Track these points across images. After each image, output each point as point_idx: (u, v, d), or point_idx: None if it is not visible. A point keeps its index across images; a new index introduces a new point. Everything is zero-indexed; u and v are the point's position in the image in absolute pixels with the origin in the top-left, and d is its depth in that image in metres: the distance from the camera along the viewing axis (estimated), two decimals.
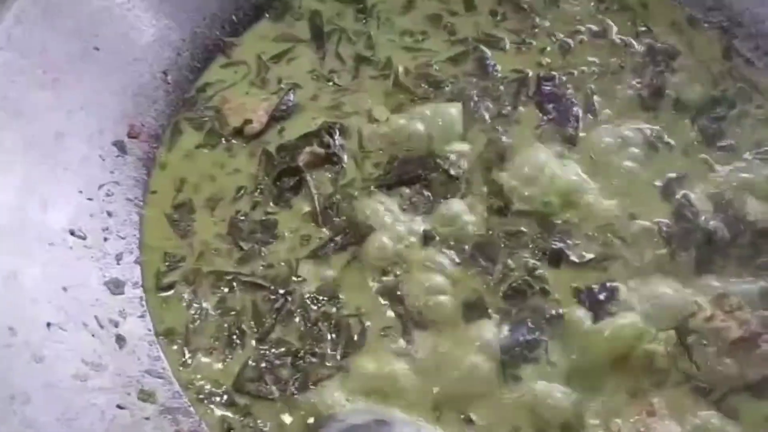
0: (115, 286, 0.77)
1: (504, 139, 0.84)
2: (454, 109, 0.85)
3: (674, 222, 0.79)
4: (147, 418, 0.69)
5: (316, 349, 0.74)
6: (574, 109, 0.86)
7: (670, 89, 0.87)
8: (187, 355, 0.75)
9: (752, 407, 0.70)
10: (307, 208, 0.82)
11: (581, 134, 0.84)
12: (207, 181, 0.85)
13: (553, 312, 0.75)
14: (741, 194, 0.80)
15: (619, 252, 0.78)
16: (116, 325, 0.74)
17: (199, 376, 0.74)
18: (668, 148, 0.84)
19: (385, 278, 0.77)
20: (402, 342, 0.74)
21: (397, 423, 0.67)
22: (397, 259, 0.77)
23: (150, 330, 0.76)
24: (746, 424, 0.69)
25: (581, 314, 0.75)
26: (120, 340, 0.74)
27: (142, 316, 0.77)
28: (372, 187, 0.82)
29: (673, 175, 0.82)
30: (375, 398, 0.71)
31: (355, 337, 0.74)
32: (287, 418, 0.71)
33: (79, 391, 0.67)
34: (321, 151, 0.84)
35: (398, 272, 0.77)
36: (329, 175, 0.84)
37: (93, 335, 0.72)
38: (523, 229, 0.79)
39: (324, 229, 0.80)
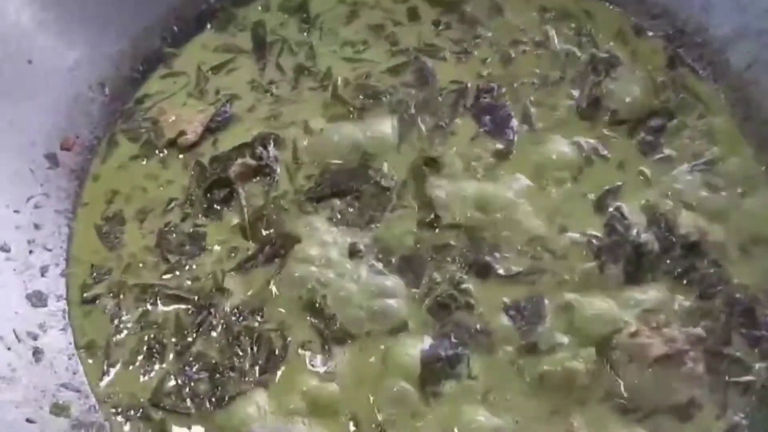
0: (38, 299, 0.77)
1: (438, 150, 0.83)
2: (389, 122, 0.85)
3: (605, 234, 0.78)
4: None
5: (236, 364, 0.73)
6: (512, 121, 0.85)
7: (608, 100, 0.85)
8: (107, 369, 0.74)
9: (676, 429, 0.68)
10: (236, 221, 0.81)
11: (513, 149, 0.83)
12: (139, 193, 0.84)
13: (478, 326, 0.74)
14: (675, 207, 0.78)
15: (548, 265, 0.76)
16: (35, 338, 0.74)
17: (117, 390, 0.73)
18: (604, 160, 0.83)
19: (307, 291, 0.75)
20: (321, 357, 0.72)
21: None
22: (322, 272, 0.76)
23: (71, 343, 0.76)
24: None
25: (507, 329, 0.73)
26: (37, 353, 0.73)
27: (63, 329, 0.76)
28: (302, 199, 0.81)
29: (607, 187, 0.81)
30: (293, 415, 0.70)
31: (276, 352, 0.73)
32: None
33: None
34: (252, 162, 0.83)
35: (322, 286, 0.76)
36: (262, 187, 0.83)
37: (9, 348, 0.71)
38: (451, 242, 0.78)
39: (251, 242, 0.80)
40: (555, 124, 0.85)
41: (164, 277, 0.79)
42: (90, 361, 0.75)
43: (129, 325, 0.76)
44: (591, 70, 0.88)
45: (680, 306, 0.73)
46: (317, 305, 0.74)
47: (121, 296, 0.78)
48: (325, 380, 0.71)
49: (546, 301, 0.74)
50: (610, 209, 0.79)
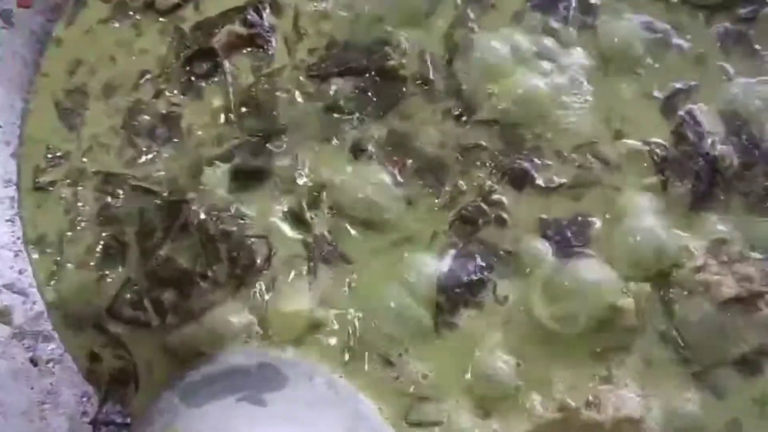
0: None
1: (473, 26, 0.67)
2: None
3: (672, 144, 0.62)
4: None
5: (209, 273, 0.60)
6: None
7: None
8: (57, 270, 0.62)
9: (740, 385, 0.55)
10: (218, 102, 0.67)
11: (570, 28, 0.67)
12: (106, 63, 0.70)
13: (509, 247, 0.60)
14: (761, 114, 0.62)
15: (598, 178, 0.62)
16: None
17: (68, 296, 0.62)
18: (678, 51, 0.66)
19: (296, 197, 0.62)
20: (312, 275, 0.60)
21: (286, 367, 0.54)
22: (318, 173, 0.63)
23: (19, 238, 0.64)
24: (730, 405, 0.55)
25: (543, 253, 0.60)
26: None
27: (11, 221, 0.64)
28: (302, 78, 0.67)
29: (679, 85, 0.64)
30: (272, 338, 0.58)
31: (258, 263, 0.61)
32: (160, 354, 0.59)
33: None
34: (243, 30, 0.68)
35: (320, 189, 0.62)
36: (253, 62, 0.68)
37: None
38: (482, 142, 0.63)
39: (236, 128, 0.66)
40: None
41: (131, 165, 0.65)
42: (39, 259, 0.63)
43: (87, 219, 0.64)
44: None
45: (760, 236, 0.59)
46: (307, 216, 0.61)
47: (80, 185, 0.65)
48: (318, 301, 0.59)
49: (593, 221, 0.60)
50: (681, 113, 0.63)
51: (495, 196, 0.61)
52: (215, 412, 0.49)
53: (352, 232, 0.61)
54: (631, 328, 0.57)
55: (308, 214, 0.62)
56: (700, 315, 0.56)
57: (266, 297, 0.60)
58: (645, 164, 0.62)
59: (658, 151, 0.62)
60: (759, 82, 0.64)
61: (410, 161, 0.63)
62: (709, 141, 0.62)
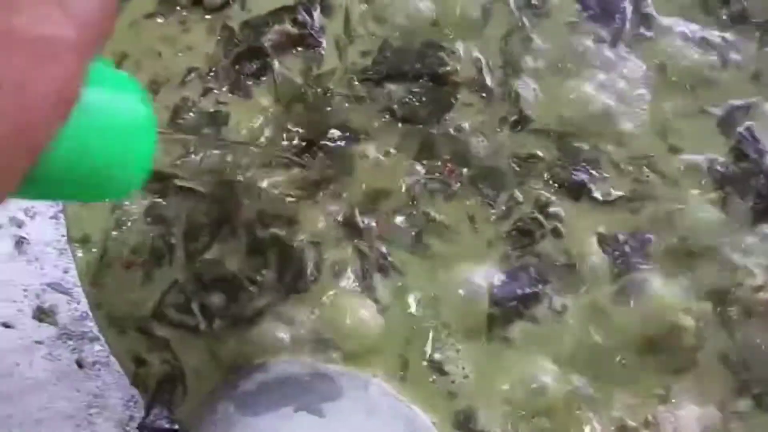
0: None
1: (530, 35, 0.66)
2: None
3: (731, 160, 0.61)
4: (39, 342, 0.56)
5: (258, 278, 0.59)
6: (623, 3, 0.67)
7: None
8: (103, 270, 0.61)
9: None
10: (267, 102, 0.65)
11: (626, 39, 0.66)
12: (152, 58, 0.68)
13: (565, 260, 0.59)
14: None
15: (656, 192, 0.61)
16: (19, 225, 0.60)
17: (112, 297, 0.60)
18: (735, 67, 0.65)
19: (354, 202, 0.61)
20: (363, 283, 0.59)
21: (340, 377, 0.53)
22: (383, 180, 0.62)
23: (63, 235, 0.62)
24: None
25: (601, 268, 0.59)
26: (20, 243, 0.60)
27: (55, 218, 0.63)
28: (354, 81, 0.65)
29: (737, 102, 0.64)
30: (322, 347, 0.57)
31: (308, 270, 0.59)
32: (209, 359, 0.57)
33: None
34: (293, 30, 0.67)
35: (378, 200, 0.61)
36: (303, 62, 0.67)
37: None
38: (539, 152, 0.63)
39: (290, 132, 0.64)
40: (677, 13, 0.67)
41: (177, 163, 0.64)
42: (83, 258, 0.62)
43: (133, 218, 0.62)
44: None
45: None
46: (360, 224, 0.60)
47: None
48: (368, 309, 0.58)
49: (651, 237, 0.59)
50: (739, 129, 0.62)
51: (552, 208, 0.61)
52: (273, 422, 0.48)
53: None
54: (691, 348, 0.56)
55: (361, 221, 0.61)
56: (760, 336, 0.55)
57: (318, 305, 0.58)
58: (703, 180, 0.61)
59: (717, 167, 0.61)
60: None
61: (465, 169, 0.62)
62: None
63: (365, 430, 0.49)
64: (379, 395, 0.53)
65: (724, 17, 0.67)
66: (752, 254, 0.58)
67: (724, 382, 0.55)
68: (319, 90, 0.65)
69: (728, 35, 0.66)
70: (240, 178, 0.63)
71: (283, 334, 0.57)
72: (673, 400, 0.55)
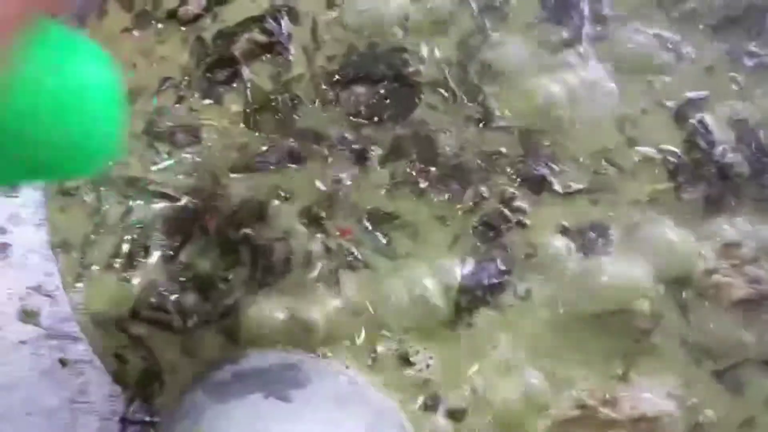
0: (10, 187, 0.65)
1: (490, 34, 0.68)
2: None
3: (684, 152, 0.64)
4: (23, 342, 0.58)
5: (230, 276, 0.62)
6: (581, 4, 0.69)
7: None
8: (82, 272, 0.64)
9: (757, 385, 0.57)
10: (238, 107, 0.68)
11: (583, 38, 0.68)
12: (128, 70, 0.71)
13: (530, 250, 0.62)
14: None
15: (614, 184, 0.63)
16: (3, 232, 0.63)
17: (93, 298, 0.63)
18: (689, 61, 0.67)
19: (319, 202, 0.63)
20: (333, 279, 0.61)
21: (309, 367, 0.55)
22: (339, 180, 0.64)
23: (47, 241, 0.65)
24: (748, 401, 0.57)
25: (562, 257, 0.61)
26: (4, 249, 0.62)
27: (39, 225, 0.65)
28: (322, 85, 0.68)
29: (691, 95, 0.66)
30: (292, 339, 0.59)
31: (277, 266, 0.62)
32: (182, 355, 0.60)
33: None
34: (261, 38, 0.70)
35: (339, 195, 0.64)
36: (272, 68, 0.70)
37: None
38: (502, 149, 0.65)
39: (257, 134, 0.67)
40: (631, 10, 0.69)
41: (152, 169, 0.67)
42: (65, 262, 0.64)
43: (110, 223, 0.65)
44: None
45: None
46: (322, 221, 0.63)
47: (103, 189, 0.66)
48: (337, 303, 0.60)
49: (610, 226, 0.61)
50: (692, 121, 0.65)
51: (516, 203, 0.63)
52: (242, 409, 0.50)
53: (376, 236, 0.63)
54: (647, 330, 0.58)
55: (326, 218, 0.63)
56: (712, 316, 0.58)
57: (288, 300, 0.61)
58: (657, 171, 0.63)
59: (670, 158, 0.63)
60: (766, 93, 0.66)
61: (433, 168, 0.64)
62: (720, 149, 0.63)
63: (333, 416, 0.51)
64: (348, 384, 0.55)
65: (677, 14, 0.69)
66: (704, 239, 0.60)
67: (681, 361, 0.58)
68: (287, 95, 0.67)
69: (682, 30, 0.68)
70: (213, 182, 0.66)
71: (255, 328, 0.59)
72: (632, 381, 0.57)
